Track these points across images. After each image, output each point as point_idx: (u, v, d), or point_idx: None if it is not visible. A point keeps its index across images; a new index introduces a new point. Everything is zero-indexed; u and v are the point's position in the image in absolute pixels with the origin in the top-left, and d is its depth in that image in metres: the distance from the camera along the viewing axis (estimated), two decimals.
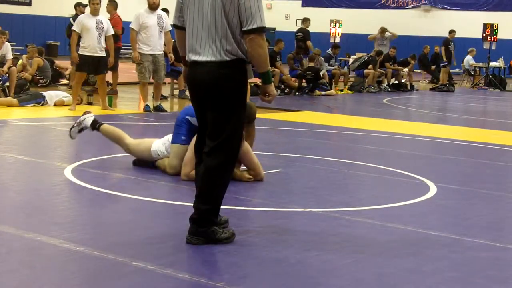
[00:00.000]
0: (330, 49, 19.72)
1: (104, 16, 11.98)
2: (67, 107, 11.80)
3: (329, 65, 19.13)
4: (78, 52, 11.65)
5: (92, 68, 11.75)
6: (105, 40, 11.71)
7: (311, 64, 17.93)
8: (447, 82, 22.19)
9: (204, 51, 4.41)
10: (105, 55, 11.80)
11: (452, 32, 23.49)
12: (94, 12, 11.67)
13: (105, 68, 11.90)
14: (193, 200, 4.51)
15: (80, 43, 11.69)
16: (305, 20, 20.43)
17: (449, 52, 23.02)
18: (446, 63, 22.82)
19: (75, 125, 7.22)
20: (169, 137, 6.75)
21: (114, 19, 14.04)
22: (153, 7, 11.49)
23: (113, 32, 11.98)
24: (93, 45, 11.51)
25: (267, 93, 4.50)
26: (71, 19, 15.04)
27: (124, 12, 27.11)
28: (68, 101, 12.08)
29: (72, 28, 11.91)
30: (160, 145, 6.74)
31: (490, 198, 6.41)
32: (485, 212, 5.88)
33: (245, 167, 6.55)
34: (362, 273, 4.09)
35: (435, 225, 5.27)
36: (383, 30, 21.92)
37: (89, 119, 7.15)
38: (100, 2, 11.92)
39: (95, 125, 7.11)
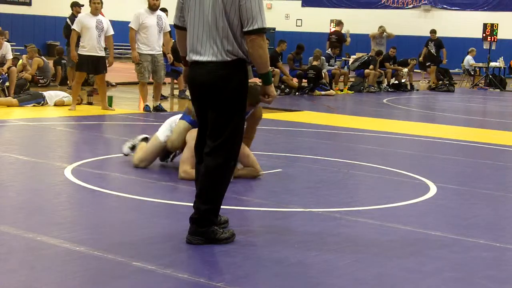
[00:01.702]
0: (330, 49, 19.70)
1: (104, 18, 11.94)
2: (67, 107, 11.80)
3: (329, 65, 19.11)
4: (78, 52, 11.64)
5: (92, 68, 11.75)
6: (105, 39, 11.73)
7: (315, 63, 17.93)
8: (447, 82, 22.15)
9: (205, 51, 4.41)
10: (104, 54, 11.80)
11: (432, 32, 23.38)
12: (95, 12, 11.65)
13: (104, 68, 11.89)
14: (193, 200, 4.51)
15: (79, 42, 11.68)
16: (339, 24, 20.80)
17: (429, 53, 22.73)
18: (429, 64, 22.72)
19: (130, 141, 7.27)
20: (170, 121, 6.89)
21: None
22: (153, 8, 11.48)
23: (113, 32, 11.97)
24: (92, 44, 11.50)
25: (267, 94, 4.51)
26: (67, 19, 15.02)
27: (124, 12, 27.19)
28: (68, 101, 12.08)
29: (72, 27, 11.88)
30: (166, 131, 6.84)
31: (490, 198, 6.41)
32: (485, 212, 5.88)
33: (241, 165, 6.57)
34: (362, 273, 4.09)
35: (435, 225, 5.27)
36: (382, 30, 21.90)
37: (141, 136, 7.32)
38: (101, 1, 11.90)
39: (144, 140, 7.24)
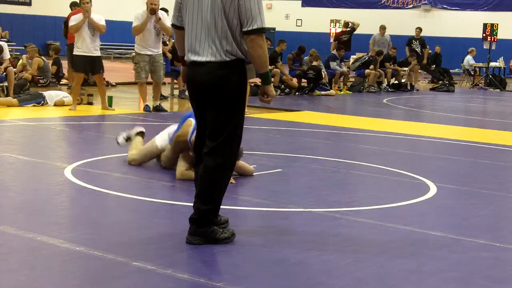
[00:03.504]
0: (335, 50, 19.63)
1: (96, 14, 11.80)
2: (67, 107, 11.80)
3: (336, 65, 19.08)
4: (74, 53, 11.64)
5: (88, 68, 11.72)
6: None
7: (315, 63, 17.91)
8: (447, 82, 22.10)
9: (203, 51, 4.41)
10: (99, 54, 11.77)
11: (417, 29, 23.27)
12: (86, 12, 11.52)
13: (101, 67, 11.80)
14: (193, 200, 4.51)
15: (74, 43, 11.67)
16: (347, 25, 20.97)
17: (414, 51, 22.47)
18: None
19: (126, 131, 7.37)
20: (169, 130, 6.88)
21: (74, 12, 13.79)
22: (151, 12, 11.47)
23: (104, 23, 11.81)
24: (86, 45, 11.46)
25: (266, 94, 4.50)
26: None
27: (124, 12, 27.20)
28: (68, 101, 12.08)
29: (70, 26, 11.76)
30: (165, 138, 6.84)
31: (490, 198, 6.40)
32: (485, 212, 5.88)
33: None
34: (362, 273, 4.09)
35: (435, 225, 5.27)
36: (383, 28, 21.76)
37: (137, 129, 7.35)
38: (91, 1, 11.78)
39: (139, 134, 7.29)
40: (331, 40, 24.40)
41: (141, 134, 7.33)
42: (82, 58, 11.55)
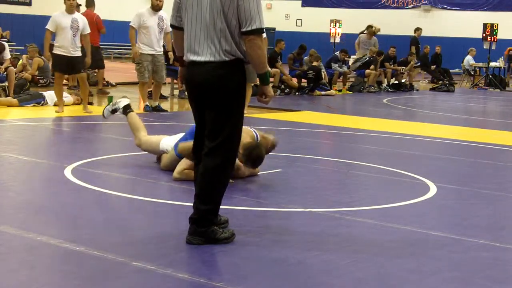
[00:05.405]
0: (338, 52, 19.60)
1: (80, 14, 11.57)
2: (67, 107, 11.77)
3: (338, 67, 19.08)
4: (53, 52, 11.28)
5: (67, 69, 11.34)
6: (82, 38, 11.34)
7: (315, 63, 17.90)
8: (447, 82, 22.10)
9: (202, 51, 4.41)
10: (80, 54, 11.29)
11: (418, 30, 23.24)
12: (70, 9, 11.15)
13: (80, 67, 11.41)
14: (193, 200, 4.51)
15: (54, 42, 11.35)
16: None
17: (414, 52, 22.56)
18: (419, 63, 22.59)
19: (110, 104, 7.51)
20: (177, 137, 6.86)
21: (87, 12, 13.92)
22: (156, 8, 11.48)
23: (89, 31, 11.55)
24: (66, 44, 11.06)
25: (264, 94, 4.51)
26: None
27: (124, 12, 27.18)
28: (69, 101, 12.08)
29: (46, 27, 11.28)
30: (170, 143, 6.82)
31: (490, 198, 6.40)
32: (485, 212, 5.88)
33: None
34: (362, 273, 4.09)
35: (435, 225, 5.27)
36: (373, 31, 21.29)
37: (123, 102, 7.41)
38: None
39: (126, 110, 7.36)
40: (331, 40, 24.40)
41: (128, 107, 7.36)
42: (61, 58, 11.13)
